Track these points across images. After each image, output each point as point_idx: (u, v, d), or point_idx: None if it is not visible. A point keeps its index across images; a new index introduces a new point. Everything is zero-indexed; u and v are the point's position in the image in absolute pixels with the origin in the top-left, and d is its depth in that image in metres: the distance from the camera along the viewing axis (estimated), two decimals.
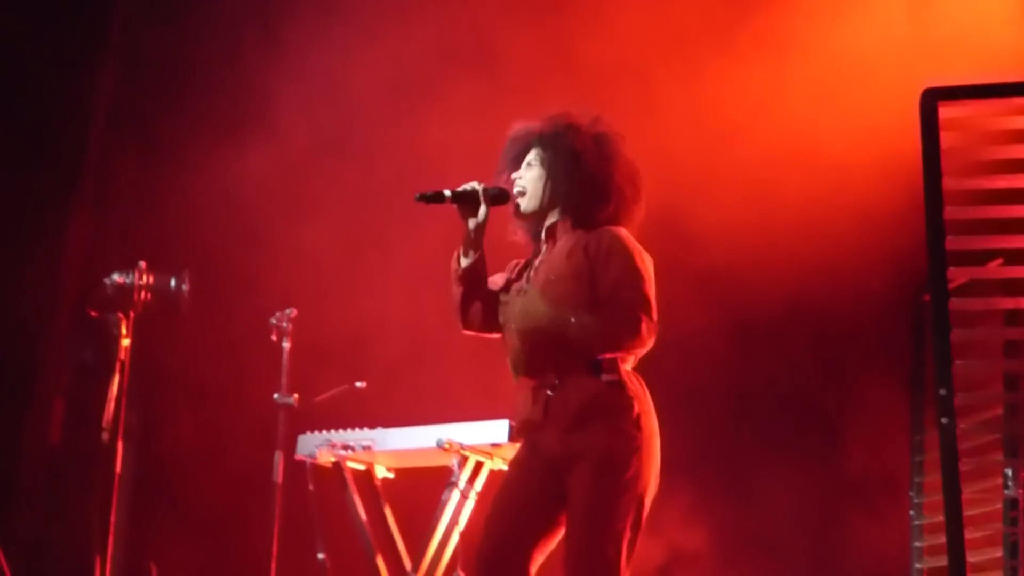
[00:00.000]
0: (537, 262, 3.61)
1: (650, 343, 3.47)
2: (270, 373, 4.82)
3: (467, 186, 3.61)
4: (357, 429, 4.82)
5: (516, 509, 3.47)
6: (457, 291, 3.62)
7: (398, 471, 4.95)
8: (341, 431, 4.83)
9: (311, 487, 4.75)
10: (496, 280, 3.67)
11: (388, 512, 4.87)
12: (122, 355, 4.17)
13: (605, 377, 3.43)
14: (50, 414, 5.86)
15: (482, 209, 3.59)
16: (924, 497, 4.89)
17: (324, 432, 4.85)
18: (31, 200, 5.87)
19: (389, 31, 5.88)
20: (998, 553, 4.24)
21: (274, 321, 4.82)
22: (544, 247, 3.62)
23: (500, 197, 3.62)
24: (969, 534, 3.52)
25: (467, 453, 4.62)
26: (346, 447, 4.78)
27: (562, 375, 3.46)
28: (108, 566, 4.12)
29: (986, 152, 3.73)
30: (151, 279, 4.22)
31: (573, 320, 3.42)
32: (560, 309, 3.45)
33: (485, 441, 4.60)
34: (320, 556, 4.71)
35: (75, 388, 5.82)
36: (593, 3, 5.73)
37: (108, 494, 4.13)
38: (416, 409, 4.99)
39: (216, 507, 5.77)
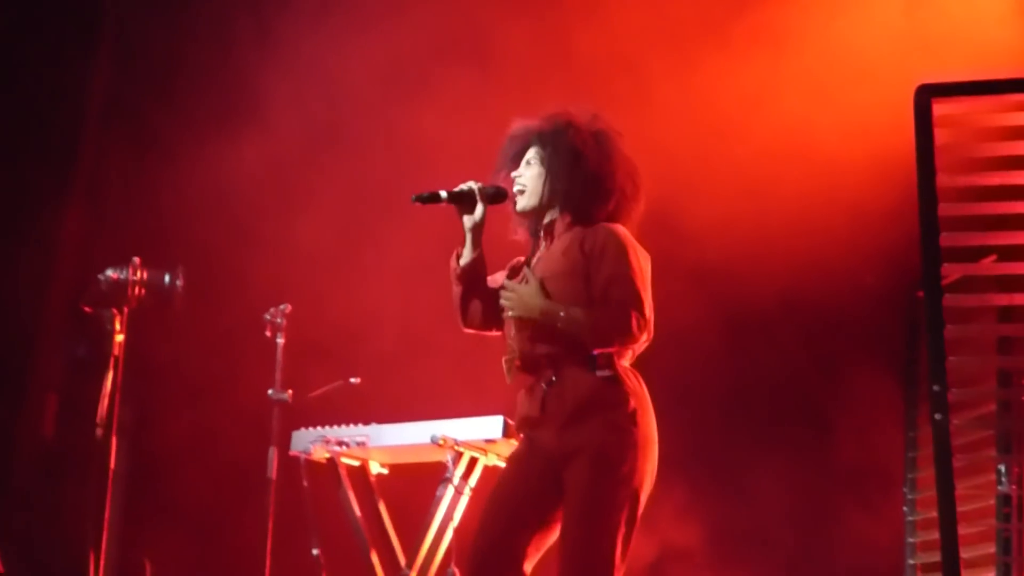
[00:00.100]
0: (535, 259, 3.62)
1: (642, 339, 3.48)
2: (264, 369, 4.82)
3: (464, 186, 3.63)
4: (351, 425, 4.82)
5: (512, 506, 3.48)
6: (456, 290, 3.65)
7: (392, 467, 4.95)
8: (335, 427, 4.83)
9: (305, 483, 4.75)
10: (497, 278, 3.69)
11: (382, 508, 4.87)
12: (116, 351, 4.16)
13: (601, 373, 3.44)
14: (44, 410, 5.85)
15: (479, 208, 3.61)
16: (917, 493, 4.90)
17: (318, 428, 4.85)
18: (24, 195, 5.86)
19: (383, 24, 5.87)
20: (991, 549, 4.24)
21: (268, 317, 4.82)
22: (542, 244, 3.63)
23: (497, 196, 3.63)
24: (962, 530, 3.51)
25: (461, 449, 4.62)
26: (340, 443, 4.78)
27: (559, 371, 3.47)
28: (102, 562, 4.11)
29: (980, 149, 3.73)
30: (145, 275, 4.21)
31: (562, 314, 3.43)
32: (553, 303, 3.46)
33: (479, 437, 4.60)
34: (314, 552, 4.71)
35: (69, 384, 5.81)
36: None
37: (102, 490, 4.12)
38: (410, 405, 4.99)
39: (210, 503, 5.77)
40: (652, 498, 3.50)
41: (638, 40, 5.59)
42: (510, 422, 4.52)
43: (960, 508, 3.50)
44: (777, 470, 5.54)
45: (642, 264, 3.52)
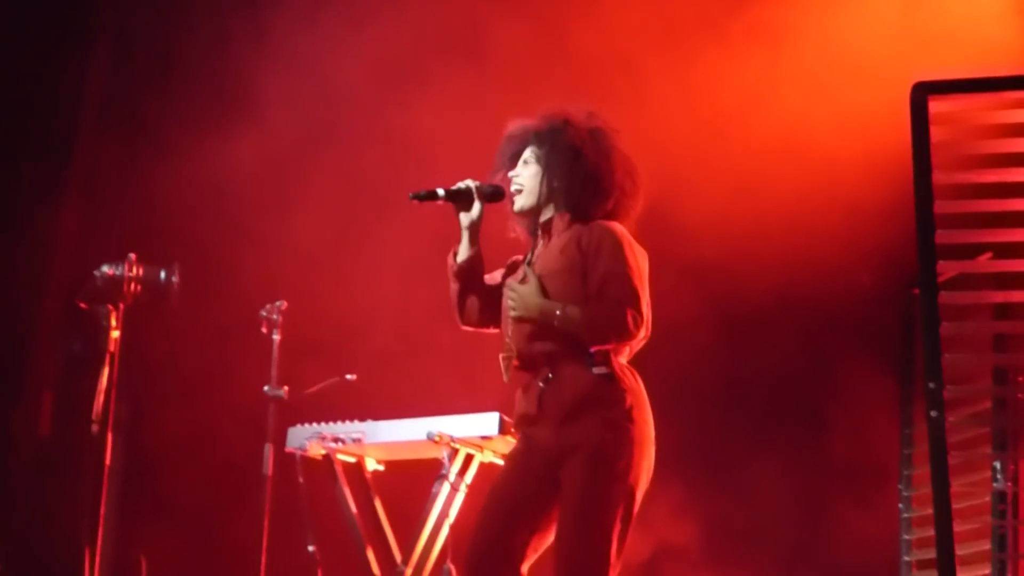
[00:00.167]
0: (534, 258, 3.63)
1: (639, 336, 3.48)
2: (260, 365, 4.82)
3: (461, 184, 3.65)
4: (347, 421, 4.82)
5: (510, 506, 3.49)
6: (454, 287, 3.67)
7: (388, 463, 4.95)
8: (331, 423, 4.83)
9: (301, 479, 4.75)
10: (495, 277, 3.70)
11: (378, 504, 4.87)
12: (112, 347, 4.16)
13: (598, 370, 3.44)
14: (39, 406, 5.85)
15: (476, 207, 3.62)
16: (913, 490, 4.90)
17: (314, 424, 4.85)
18: (19, 191, 5.85)
19: (378, 21, 5.87)
20: (987, 546, 4.25)
21: (264, 313, 4.81)
22: (540, 243, 3.64)
23: (494, 195, 3.65)
24: (958, 527, 3.52)
25: (457, 446, 4.62)
26: (336, 439, 4.78)
27: (556, 369, 3.48)
28: (97, 558, 4.11)
29: (976, 146, 3.73)
30: (141, 271, 4.21)
31: (559, 312, 3.44)
32: (550, 302, 3.46)
33: (475, 434, 4.60)
34: (310, 548, 4.71)
35: (64, 380, 5.81)
36: None
37: (97, 486, 4.12)
38: (406, 402, 4.99)
39: (206, 499, 5.77)
40: (648, 495, 3.50)
41: (635, 37, 5.59)
42: (506, 419, 4.52)
43: (955, 505, 3.51)
44: (772, 467, 5.55)
45: (639, 261, 3.52)
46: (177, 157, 5.89)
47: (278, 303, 4.82)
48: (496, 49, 5.69)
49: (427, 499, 4.71)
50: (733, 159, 5.41)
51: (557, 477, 3.45)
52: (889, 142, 4.32)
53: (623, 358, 3.53)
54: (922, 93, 3.64)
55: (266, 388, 4.77)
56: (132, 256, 4.20)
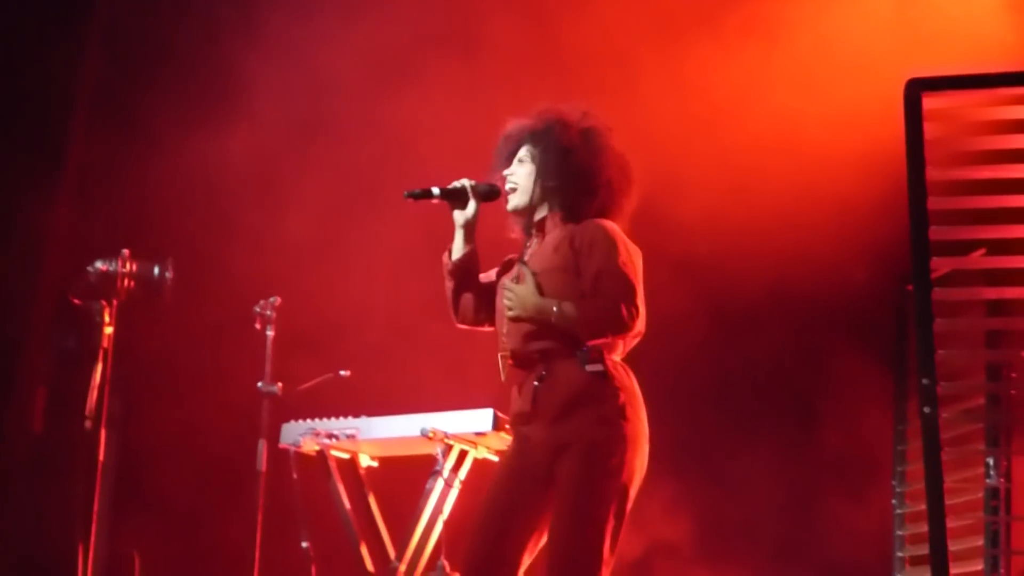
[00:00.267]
0: (528, 256, 3.63)
1: (635, 329, 3.48)
2: (253, 361, 4.81)
3: (456, 183, 3.67)
4: (341, 418, 4.81)
5: (505, 508, 3.50)
6: (449, 286, 3.70)
7: (382, 460, 4.95)
8: (325, 419, 4.82)
9: (295, 476, 4.74)
10: (490, 275, 3.73)
11: (372, 501, 4.87)
12: (105, 343, 4.15)
13: (591, 368, 3.45)
14: (32, 402, 5.83)
15: (471, 205, 3.65)
16: (906, 486, 4.91)
17: (308, 420, 4.85)
18: (12, 186, 5.83)
19: (371, 13, 5.86)
20: (980, 541, 4.26)
21: (258, 309, 4.80)
22: (534, 241, 3.65)
23: (490, 194, 3.67)
24: (951, 523, 3.53)
25: (451, 442, 4.62)
26: (330, 435, 4.78)
27: (550, 366, 3.49)
28: (91, 555, 4.11)
29: (969, 142, 3.74)
30: (134, 267, 4.21)
31: (555, 309, 3.44)
32: (546, 300, 3.47)
33: (469, 430, 4.60)
34: (304, 544, 4.70)
35: (58, 376, 5.79)
36: None
37: (91, 482, 4.12)
38: (400, 398, 4.99)
39: (200, 495, 5.76)
40: (641, 492, 3.51)
41: (628, 31, 5.59)
42: (500, 415, 4.53)
43: (949, 501, 3.52)
44: (766, 463, 5.56)
45: (632, 257, 3.53)
46: (170, 152, 5.88)
47: (272, 299, 4.81)
48: (489, 44, 5.68)
49: (421, 495, 4.71)
50: (727, 154, 5.41)
51: (552, 475, 3.45)
52: (883, 138, 4.32)
53: (617, 356, 3.54)
54: (916, 89, 3.64)
55: (260, 384, 4.76)
56: (125, 252, 4.19)
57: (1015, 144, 3.67)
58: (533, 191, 3.62)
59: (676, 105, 5.39)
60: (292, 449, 4.82)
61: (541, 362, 3.51)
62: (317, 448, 4.83)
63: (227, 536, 5.26)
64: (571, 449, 3.43)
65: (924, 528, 3.58)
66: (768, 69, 5.37)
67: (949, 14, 4.96)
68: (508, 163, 3.68)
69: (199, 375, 5.74)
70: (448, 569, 4.50)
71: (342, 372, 4.84)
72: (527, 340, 3.53)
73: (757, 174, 5.37)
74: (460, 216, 3.67)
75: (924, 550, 3.74)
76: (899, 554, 4.88)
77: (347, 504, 4.83)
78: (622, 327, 3.45)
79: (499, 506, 3.50)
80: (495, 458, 4.69)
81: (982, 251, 3.85)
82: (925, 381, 3.53)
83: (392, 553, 4.77)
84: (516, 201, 3.65)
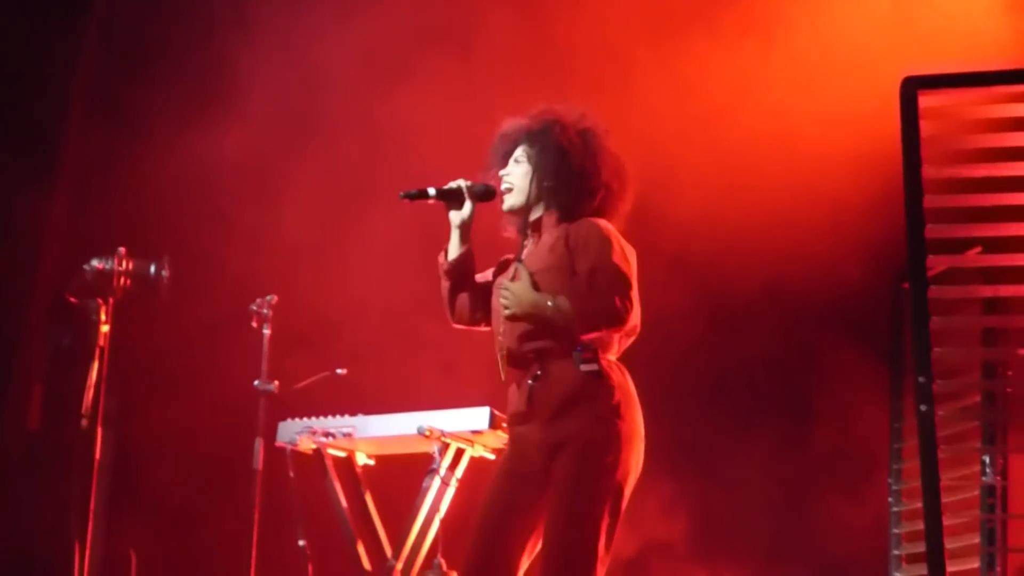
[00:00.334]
0: (523, 256, 3.64)
1: (630, 323, 3.49)
2: (250, 360, 4.81)
3: (452, 184, 3.68)
4: (338, 416, 4.81)
5: (503, 512, 3.51)
6: (445, 286, 3.71)
7: (379, 458, 4.94)
8: (322, 418, 4.82)
9: (292, 474, 4.74)
10: (487, 275, 3.74)
11: (369, 499, 4.87)
12: (101, 341, 4.15)
13: (586, 367, 3.46)
14: (29, 401, 5.83)
15: (467, 205, 3.66)
16: (903, 484, 4.92)
17: (305, 419, 4.84)
18: (8, 184, 5.82)
19: (365, 9, 5.85)
20: (976, 540, 4.26)
21: (254, 308, 4.80)
22: (530, 241, 3.66)
23: (485, 194, 3.68)
24: (947, 521, 3.54)
25: (448, 440, 4.62)
26: (327, 434, 4.77)
27: (545, 366, 3.50)
28: (87, 553, 4.10)
29: (966, 140, 3.74)
30: (130, 265, 4.20)
31: (550, 304, 3.45)
32: (541, 295, 3.48)
33: (466, 428, 4.60)
34: (301, 543, 4.70)
35: (54, 374, 5.78)
36: None
37: (87, 480, 4.11)
38: (397, 396, 4.98)
39: (196, 494, 5.76)
40: (636, 489, 3.51)
41: (624, 28, 5.59)
42: (497, 413, 4.53)
43: (945, 499, 3.52)
44: (761, 461, 5.56)
45: (627, 254, 3.54)
46: (166, 150, 5.87)
47: (268, 297, 4.80)
48: (485, 41, 5.68)
49: (418, 493, 4.71)
50: (722, 152, 5.41)
51: (548, 474, 3.46)
52: (879, 136, 4.32)
53: (612, 355, 3.55)
54: (912, 87, 3.65)
55: (256, 382, 4.75)
56: (122, 250, 4.19)
57: (1011, 142, 3.68)
58: (529, 191, 3.63)
59: (672, 102, 5.39)
60: (289, 447, 4.82)
61: (536, 362, 3.52)
62: (314, 446, 4.83)
63: (224, 534, 5.26)
64: (566, 448, 3.44)
65: (920, 526, 3.58)
66: (764, 67, 5.37)
67: (945, 12, 4.96)
68: (504, 162, 3.69)
69: (195, 373, 5.74)
70: (445, 567, 4.50)
71: (339, 370, 4.84)
72: (523, 340, 3.53)
73: (753, 172, 5.37)
74: (456, 216, 3.68)
75: (920, 548, 3.74)
76: (895, 552, 4.88)
77: (344, 502, 4.82)
78: (616, 320, 3.46)
79: (496, 509, 3.51)
80: (492, 456, 4.69)
81: (978, 249, 3.85)
82: (921, 379, 3.53)
83: (389, 551, 4.77)
84: (511, 201, 3.66)
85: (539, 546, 3.49)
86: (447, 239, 3.71)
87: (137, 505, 5.72)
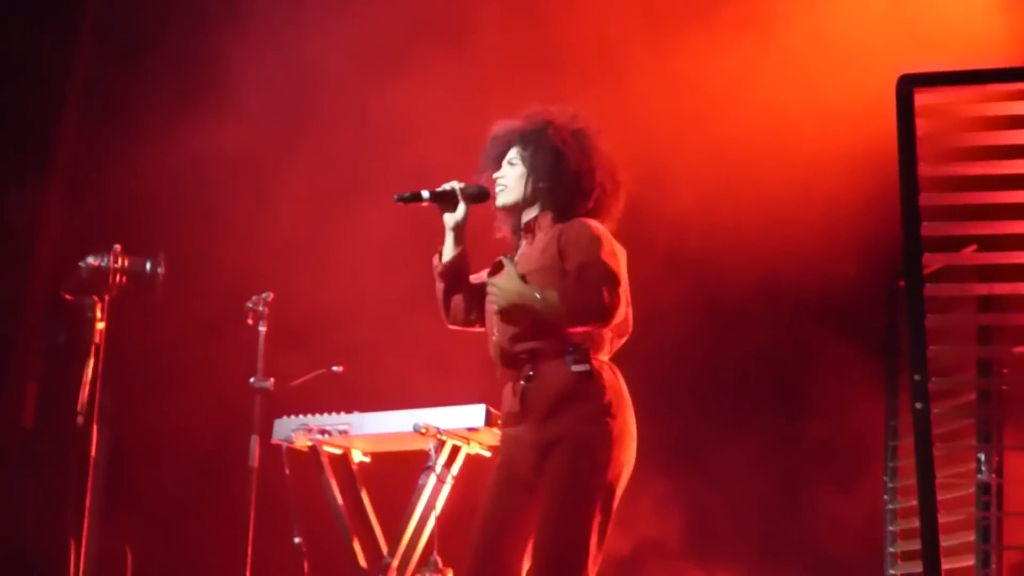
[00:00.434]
0: (517, 256, 3.65)
1: (617, 318, 3.49)
2: (246, 357, 4.80)
3: (446, 186, 3.69)
4: (334, 413, 4.81)
5: (501, 517, 3.52)
6: (439, 287, 3.72)
7: (375, 455, 4.95)
8: (317, 415, 4.82)
9: (287, 471, 4.74)
10: (481, 276, 3.74)
11: (365, 496, 4.87)
12: (97, 339, 4.14)
13: (578, 367, 3.47)
14: (24, 398, 5.82)
15: (461, 208, 3.67)
16: (898, 481, 4.92)
17: (300, 416, 4.84)
18: (2, 182, 5.81)
19: (359, 5, 5.85)
20: (971, 537, 4.27)
21: (250, 305, 4.80)
22: (524, 241, 3.66)
23: (479, 196, 3.69)
24: (942, 518, 3.54)
25: (444, 437, 4.62)
26: (322, 431, 4.77)
27: (537, 367, 3.51)
28: (83, 550, 4.09)
29: (962, 139, 3.74)
30: (126, 262, 4.18)
31: (538, 296, 3.45)
32: (529, 287, 3.48)
33: (462, 425, 4.60)
34: (296, 540, 4.70)
35: (49, 372, 5.78)
36: None
37: (82, 478, 4.10)
38: (393, 393, 4.98)
39: (192, 491, 5.75)
40: (631, 487, 3.52)
41: (619, 23, 5.58)
42: (492, 410, 4.53)
43: (940, 496, 3.53)
44: (756, 458, 5.56)
45: (616, 254, 3.55)
46: (161, 148, 5.86)
47: (264, 295, 4.80)
48: (479, 36, 5.67)
49: (414, 491, 4.71)
50: (717, 149, 5.41)
51: (541, 474, 3.47)
52: (875, 134, 4.32)
53: (604, 355, 3.55)
54: (908, 85, 3.65)
55: (252, 380, 4.76)
56: (117, 247, 4.18)
57: (1007, 140, 3.68)
58: (524, 193, 3.64)
59: (667, 99, 5.39)
60: (284, 445, 4.82)
61: (529, 362, 3.53)
62: (309, 444, 4.83)
63: (219, 532, 5.25)
64: (559, 447, 3.45)
65: (916, 523, 3.59)
66: (760, 64, 5.36)
67: (942, 10, 4.96)
68: (496, 164, 3.70)
69: (191, 370, 5.74)
70: (441, 564, 4.50)
71: (334, 368, 4.84)
72: (515, 341, 3.54)
73: (748, 168, 5.37)
74: (450, 219, 3.69)
75: (916, 545, 3.75)
76: (891, 549, 4.89)
77: (339, 500, 4.82)
78: (604, 315, 3.46)
79: (494, 515, 3.52)
80: (487, 453, 4.70)
81: (973, 247, 3.85)
82: (917, 377, 3.54)
83: (385, 548, 4.78)
84: (505, 199, 3.67)
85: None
86: (442, 236, 3.71)
87: (133, 502, 5.72)
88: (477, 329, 3.73)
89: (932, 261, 3.65)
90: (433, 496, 4.68)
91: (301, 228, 5.81)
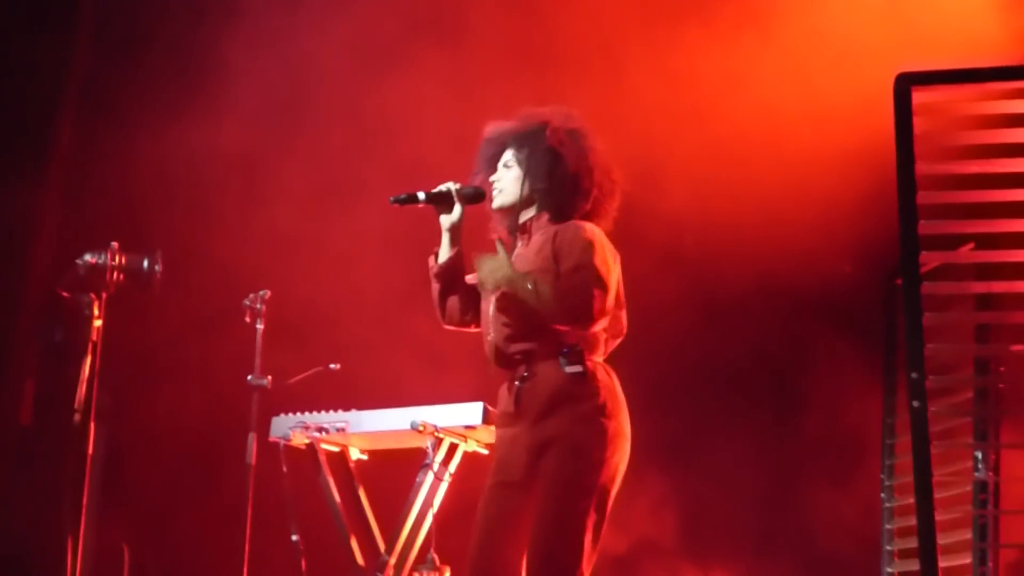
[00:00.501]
0: (513, 257, 3.65)
1: (598, 325, 3.49)
2: (243, 354, 4.80)
3: (442, 187, 3.69)
4: (331, 411, 4.81)
5: (498, 523, 3.53)
6: (435, 288, 3.73)
7: (372, 453, 4.94)
8: (315, 413, 4.82)
9: (285, 469, 4.74)
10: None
11: (362, 494, 4.87)
12: (94, 336, 4.14)
13: (572, 369, 3.48)
14: (21, 395, 5.82)
15: (456, 209, 3.67)
16: (895, 479, 4.92)
17: (298, 414, 4.84)
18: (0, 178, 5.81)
19: (355, 3, 5.84)
20: (968, 535, 4.28)
21: (247, 303, 4.80)
22: (520, 243, 3.67)
23: (474, 197, 3.69)
24: (939, 516, 3.54)
25: (441, 435, 4.62)
26: (320, 429, 4.77)
27: (531, 367, 3.51)
28: (80, 547, 4.09)
29: (959, 137, 3.74)
30: (123, 260, 4.18)
31: (529, 286, 3.44)
32: (520, 275, 3.48)
33: (459, 423, 4.60)
34: (294, 538, 4.70)
35: (46, 369, 5.77)
36: None
37: (80, 475, 4.10)
38: (390, 391, 4.98)
39: (189, 489, 5.75)
40: (627, 484, 3.53)
41: (616, 19, 5.58)
42: (490, 408, 4.52)
43: (937, 494, 3.53)
44: (752, 456, 5.56)
45: (608, 260, 3.55)
46: (156, 144, 5.86)
47: (262, 292, 4.80)
48: (475, 32, 5.67)
49: (411, 489, 4.71)
50: (714, 146, 5.41)
51: (536, 474, 3.48)
52: (872, 132, 4.32)
53: (598, 357, 3.56)
54: (906, 84, 3.65)
55: (249, 377, 4.75)
56: (115, 245, 4.18)
57: (1004, 139, 3.68)
58: (521, 195, 3.64)
59: (664, 96, 5.39)
60: (282, 442, 4.82)
61: (523, 363, 3.54)
62: (307, 441, 4.83)
63: (217, 529, 5.25)
64: (553, 446, 3.47)
65: (913, 521, 3.59)
66: (758, 61, 5.36)
67: (940, 8, 4.96)
68: (490, 166, 3.70)
69: (188, 368, 5.73)
70: (438, 562, 4.50)
71: (332, 365, 4.84)
72: (510, 341, 3.55)
73: (745, 167, 5.37)
74: (446, 220, 3.69)
75: (913, 543, 3.75)
76: (888, 547, 4.89)
77: (337, 497, 4.82)
78: (589, 316, 3.45)
79: (492, 520, 3.53)
80: (485, 451, 4.69)
81: (971, 245, 3.86)
82: (914, 375, 3.54)
83: (382, 546, 4.77)
84: (501, 201, 3.67)
85: None
86: (438, 232, 3.71)
87: (130, 500, 5.72)
88: (472, 330, 3.74)
89: (929, 259, 3.65)
90: (430, 494, 4.67)
91: (298, 225, 5.81)
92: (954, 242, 3.79)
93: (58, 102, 6.04)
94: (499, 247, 3.57)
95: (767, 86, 5.32)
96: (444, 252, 3.70)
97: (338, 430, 4.76)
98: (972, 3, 4.93)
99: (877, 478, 4.98)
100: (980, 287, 3.94)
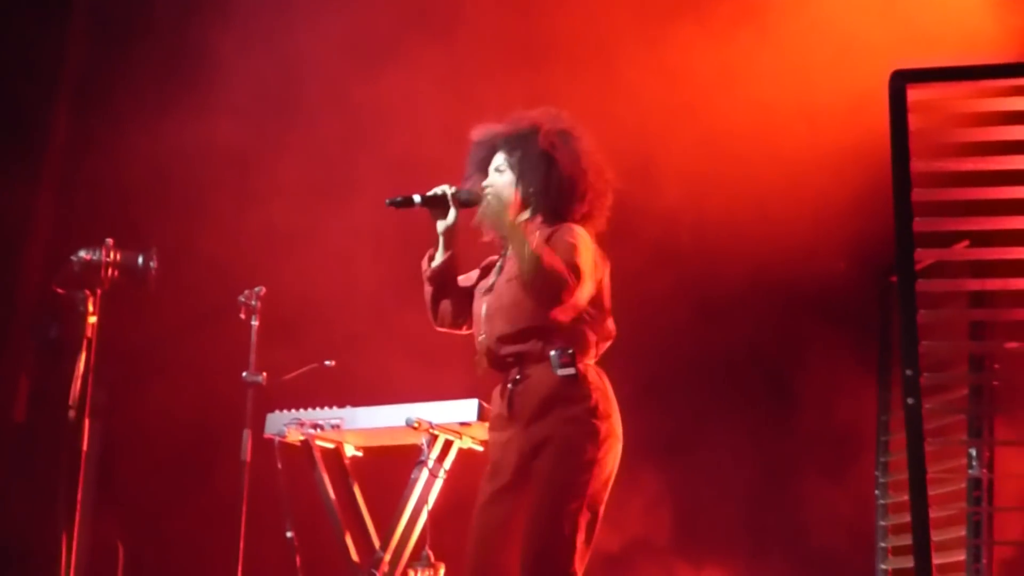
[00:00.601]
0: (504, 261, 3.68)
1: (566, 305, 3.48)
2: (238, 351, 4.80)
3: (437, 190, 3.68)
4: (326, 407, 4.81)
5: (494, 527, 3.54)
6: (428, 290, 3.73)
7: (367, 449, 4.94)
8: (310, 409, 4.82)
9: (280, 466, 4.74)
10: (471, 277, 3.74)
11: (357, 490, 4.87)
12: (89, 333, 4.13)
13: (564, 371, 3.49)
14: (15, 392, 5.81)
15: (451, 213, 3.67)
16: (890, 476, 4.93)
17: (293, 411, 4.84)
18: None
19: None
20: (962, 532, 4.28)
21: (243, 299, 4.79)
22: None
23: (470, 200, 3.68)
24: (934, 513, 3.54)
25: (436, 432, 4.62)
26: (315, 425, 4.77)
27: (523, 370, 3.52)
28: (74, 544, 4.09)
29: (954, 134, 3.75)
30: (118, 256, 4.18)
31: (527, 250, 3.43)
32: (523, 232, 3.47)
33: (454, 420, 4.60)
34: (289, 534, 4.70)
35: (40, 366, 5.77)
36: None
37: (74, 472, 4.10)
38: (385, 388, 4.98)
39: (184, 485, 5.75)
40: (620, 479, 3.53)
41: (610, 14, 5.58)
42: (485, 405, 4.52)
43: (931, 492, 3.53)
44: (746, 452, 5.57)
45: (593, 260, 3.54)
46: (151, 140, 5.85)
47: (256, 289, 4.80)
48: (469, 28, 5.66)
49: (406, 485, 4.71)
50: (708, 142, 5.41)
51: (529, 476, 3.48)
52: (867, 129, 4.32)
53: (590, 359, 3.57)
54: (901, 81, 3.65)
55: (244, 374, 4.75)
56: (109, 241, 4.17)
57: (1000, 136, 3.68)
58: (514, 199, 3.63)
59: (658, 91, 5.39)
60: (277, 439, 4.82)
61: (515, 365, 3.55)
62: (302, 438, 4.83)
63: (211, 526, 5.25)
64: (546, 447, 3.48)
65: (907, 518, 3.59)
66: (752, 57, 5.36)
67: (935, 6, 4.96)
68: (480, 169, 3.69)
69: (183, 365, 5.73)
70: (433, 558, 4.50)
71: (327, 362, 4.83)
72: (502, 343, 3.56)
73: (739, 163, 5.37)
74: (441, 224, 3.69)
75: (907, 540, 3.75)
76: (882, 544, 4.90)
77: (332, 494, 4.82)
78: (556, 296, 3.45)
79: (488, 525, 3.54)
80: (480, 448, 4.70)
81: (966, 243, 3.86)
82: (909, 372, 3.54)
83: (377, 543, 4.77)
84: (495, 205, 3.66)
85: None
86: (432, 228, 3.70)
87: (124, 497, 5.71)
88: (464, 332, 3.74)
89: (924, 257, 3.65)
90: (425, 490, 4.68)
91: (293, 221, 5.80)
92: (949, 239, 3.80)
93: (52, 99, 6.03)
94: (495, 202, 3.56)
95: (762, 83, 5.32)
96: (438, 255, 3.70)
97: (333, 427, 4.76)
98: (967, 0, 4.94)
99: (871, 475, 4.98)
100: (975, 284, 3.94)
